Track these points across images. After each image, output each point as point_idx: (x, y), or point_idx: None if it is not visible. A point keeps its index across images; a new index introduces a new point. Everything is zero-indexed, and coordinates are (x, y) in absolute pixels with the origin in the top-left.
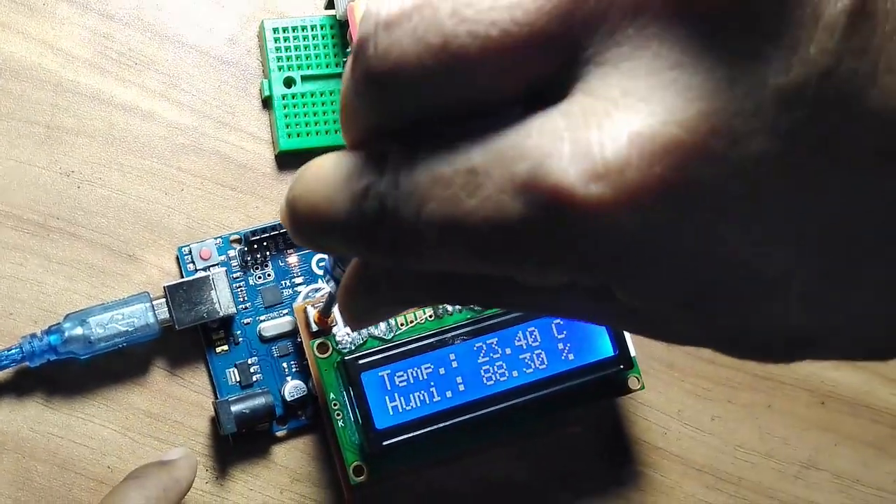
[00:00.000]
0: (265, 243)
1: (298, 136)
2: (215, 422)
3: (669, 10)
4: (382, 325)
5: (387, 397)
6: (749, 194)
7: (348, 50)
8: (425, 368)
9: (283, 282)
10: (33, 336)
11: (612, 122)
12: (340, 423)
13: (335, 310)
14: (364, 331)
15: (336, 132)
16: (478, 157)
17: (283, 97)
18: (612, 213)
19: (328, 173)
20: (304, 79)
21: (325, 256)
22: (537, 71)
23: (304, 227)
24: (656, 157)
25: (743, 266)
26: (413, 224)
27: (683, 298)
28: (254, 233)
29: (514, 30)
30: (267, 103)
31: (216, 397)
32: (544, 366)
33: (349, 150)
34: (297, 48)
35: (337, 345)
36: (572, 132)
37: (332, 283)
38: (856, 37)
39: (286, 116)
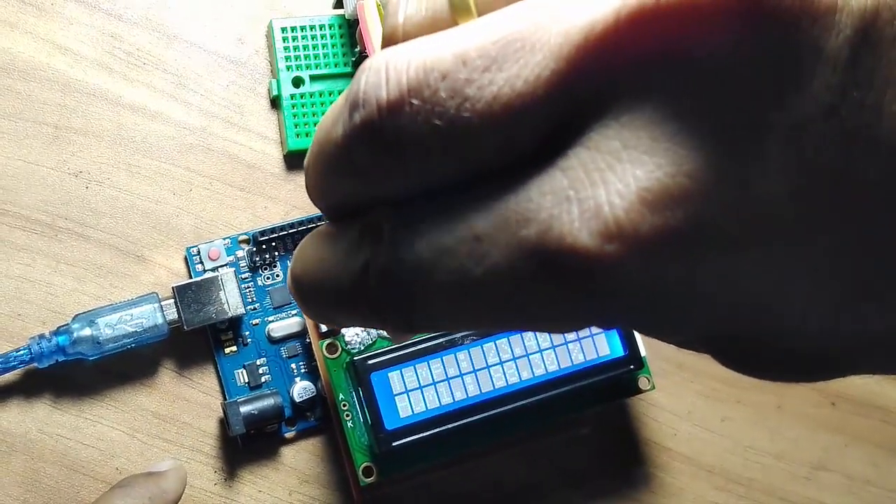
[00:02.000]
0: (274, 243)
1: (307, 135)
2: (224, 423)
3: (670, 63)
4: None
5: (396, 398)
6: (761, 236)
7: (357, 49)
8: (435, 369)
9: None
10: (41, 337)
11: (616, 177)
12: (349, 424)
13: None
14: (373, 331)
15: None
16: (480, 224)
17: (292, 97)
18: (628, 269)
19: (320, 255)
20: (313, 78)
21: None
22: (538, 133)
23: (312, 307)
24: (669, 210)
25: (761, 303)
26: (423, 296)
27: (706, 333)
28: (262, 233)
29: (517, 102)
30: (275, 103)
31: (225, 398)
32: (554, 366)
33: (332, 223)
34: (305, 48)
35: (346, 345)
36: (577, 192)
37: None
38: (859, 68)
39: (295, 116)
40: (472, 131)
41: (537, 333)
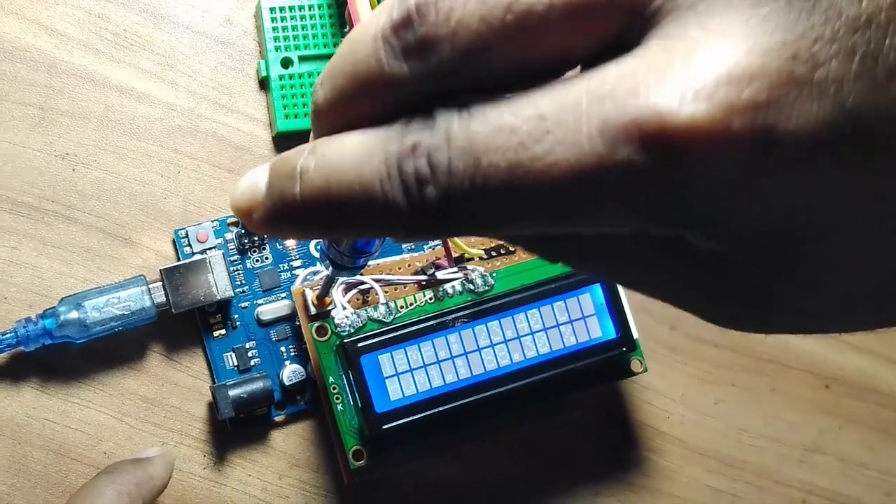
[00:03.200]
0: None
1: (296, 117)
2: (213, 407)
3: None
4: (382, 308)
5: (386, 381)
6: (831, 123)
7: (346, 29)
8: (425, 351)
9: (280, 265)
10: (28, 320)
11: (696, 57)
12: (339, 407)
13: (333, 292)
14: (363, 314)
15: None
16: (546, 103)
17: (281, 78)
18: (706, 144)
19: (356, 146)
20: (302, 59)
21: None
22: (604, 28)
23: (335, 210)
24: (745, 84)
25: (822, 222)
26: (471, 177)
27: (749, 239)
28: None
29: None
30: (264, 84)
31: (213, 382)
32: (546, 348)
33: (371, 126)
34: (294, 28)
35: (336, 328)
36: (656, 71)
37: (328, 265)
38: None
39: (284, 97)
40: (536, 16)
41: (529, 315)
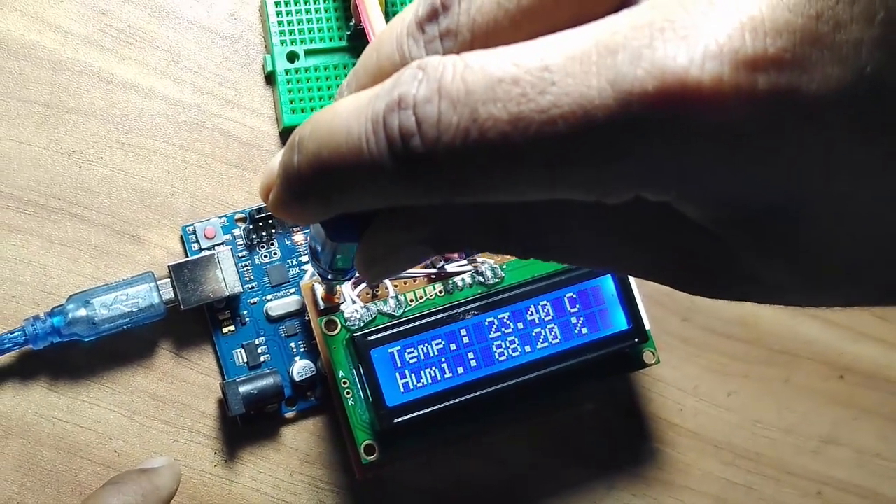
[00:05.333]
0: (271, 221)
1: (303, 111)
2: (223, 404)
3: None
4: (392, 302)
5: (397, 374)
6: (851, 87)
7: (351, 23)
8: (436, 344)
9: (289, 260)
10: (36, 318)
11: (716, 9)
12: (350, 402)
13: (342, 287)
14: (373, 307)
15: None
16: (552, 56)
17: (287, 72)
18: (727, 104)
19: (348, 107)
20: (308, 53)
21: (312, 236)
22: None
23: (327, 176)
24: (770, 38)
25: (834, 189)
26: (466, 131)
27: (756, 200)
28: (259, 210)
29: None
30: (270, 79)
31: (223, 378)
32: (557, 340)
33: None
34: (299, 22)
35: (346, 322)
36: (674, 22)
37: (315, 265)
38: None
39: (290, 92)
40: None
41: (540, 307)
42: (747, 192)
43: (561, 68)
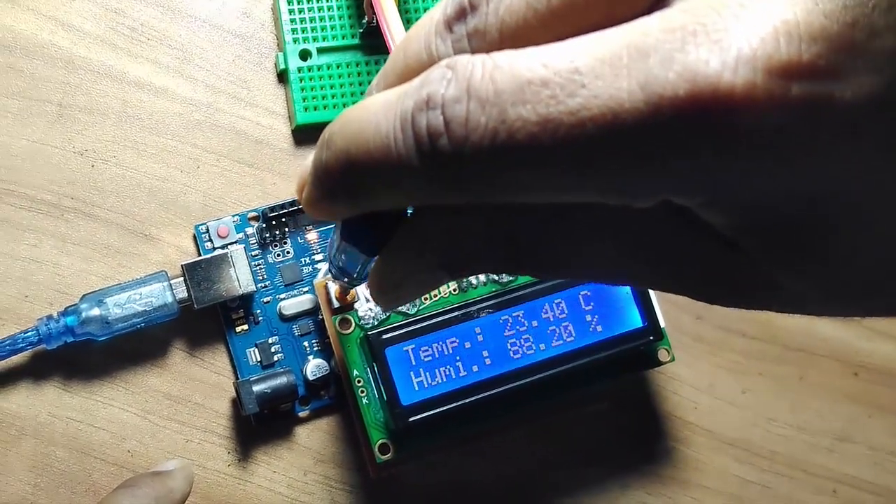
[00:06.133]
0: (284, 220)
1: (316, 109)
2: (236, 403)
3: None
4: None
5: (412, 373)
6: (883, 96)
7: (364, 21)
8: (450, 343)
9: (302, 259)
10: (49, 318)
11: (749, 13)
12: (365, 401)
13: (358, 288)
14: None
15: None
16: (581, 57)
17: (299, 70)
18: (761, 111)
19: (377, 104)
20: (321, 51)
21: (330, 242)
22: None
23: (355, 174)
24: (805, 44)
25: (856, 200)
26: (495, 132)
27: (794, 215)
28: (272, 209)
29: None
30: (282, 77)
31: (237, 378)
32: (572, 338)
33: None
34: (312, 20)
35: (360, 320)
36: (706, 26)
37: (333, 270)
38: None
39: (303, 90)
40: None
41: (555, 305)
42: (775, 199)
43: (591, 70)
